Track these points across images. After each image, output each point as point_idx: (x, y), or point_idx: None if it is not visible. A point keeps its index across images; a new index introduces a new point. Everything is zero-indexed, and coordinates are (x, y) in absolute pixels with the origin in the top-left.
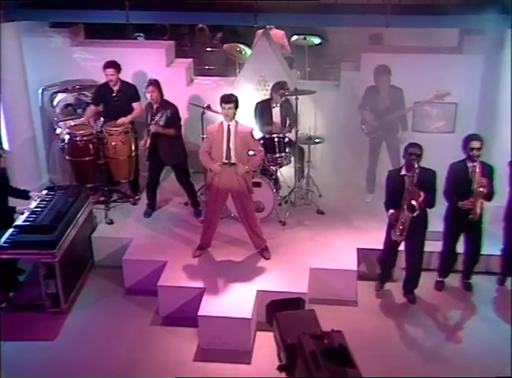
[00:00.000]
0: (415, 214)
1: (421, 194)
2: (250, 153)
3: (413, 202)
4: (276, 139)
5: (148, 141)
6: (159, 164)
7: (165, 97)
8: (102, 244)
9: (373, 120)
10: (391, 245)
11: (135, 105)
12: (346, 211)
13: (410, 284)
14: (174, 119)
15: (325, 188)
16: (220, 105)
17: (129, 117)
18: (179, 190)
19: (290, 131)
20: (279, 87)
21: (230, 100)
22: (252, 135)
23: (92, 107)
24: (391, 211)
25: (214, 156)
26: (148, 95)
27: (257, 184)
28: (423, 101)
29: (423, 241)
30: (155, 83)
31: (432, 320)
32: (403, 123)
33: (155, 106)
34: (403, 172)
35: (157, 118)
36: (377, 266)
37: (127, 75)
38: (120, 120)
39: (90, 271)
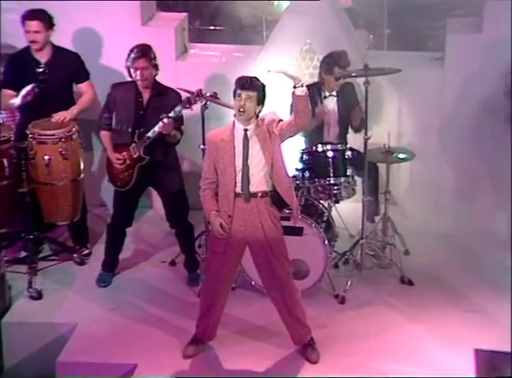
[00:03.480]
0: None
1: None
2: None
3: None
4: (330, 154)
5: (137, 153)
6: (138, 190)
7: None
8: (20, 335)
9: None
10: None
11: (82, 86)
12: (457, 281)
13: None
14: (180, 116)
15: (416, 240)
16: (234, 93)
17: (74, 110)
18: (158, 239)
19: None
20: (334, 62)
21: (251, 86)
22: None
23: (6, 92)
24: None
25: (222, 182)
26: (136, 74)
27: (297, 231)
28: None
29: None
30: (149, 53)
31: None
32: None
33: (147, 94)
34: None
35: (167, 115)
36: None
37: (72, 40)
38: (58, 116)
39: None
